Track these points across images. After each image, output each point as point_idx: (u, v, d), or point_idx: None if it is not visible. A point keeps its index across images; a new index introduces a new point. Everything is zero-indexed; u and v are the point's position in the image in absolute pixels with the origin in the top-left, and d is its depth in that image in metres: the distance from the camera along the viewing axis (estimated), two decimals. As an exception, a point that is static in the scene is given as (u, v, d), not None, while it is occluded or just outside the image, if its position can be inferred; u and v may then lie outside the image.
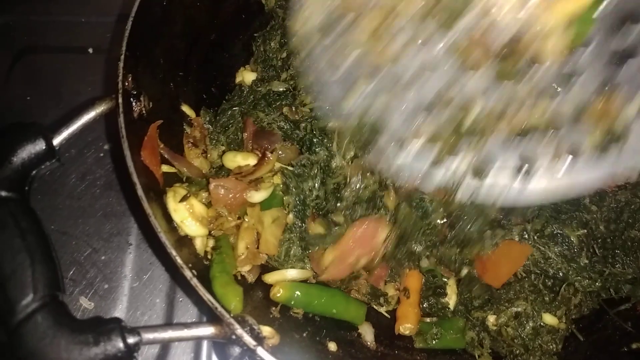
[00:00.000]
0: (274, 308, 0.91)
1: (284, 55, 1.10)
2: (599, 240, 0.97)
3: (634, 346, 0.94)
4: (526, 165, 0.79)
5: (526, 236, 0.90)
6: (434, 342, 0.93)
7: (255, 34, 1.17)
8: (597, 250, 0.96)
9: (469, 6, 0.78)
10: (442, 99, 0.79)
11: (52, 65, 1.40)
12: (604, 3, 0.74)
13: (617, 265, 0.97)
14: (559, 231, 0.91)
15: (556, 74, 0.78)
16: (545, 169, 0.79)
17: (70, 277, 1.18)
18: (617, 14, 0.75)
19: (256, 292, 0.92)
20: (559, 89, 0.78)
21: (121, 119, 0.80)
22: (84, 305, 1.16)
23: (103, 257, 1.21)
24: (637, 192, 1.00)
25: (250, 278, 0.94)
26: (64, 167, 1.27)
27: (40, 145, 0.76)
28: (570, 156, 0.78)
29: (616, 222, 0.99)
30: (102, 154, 1.30)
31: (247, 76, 1.16)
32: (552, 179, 0.79)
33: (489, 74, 0.79)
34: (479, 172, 0.79)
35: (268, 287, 0.93)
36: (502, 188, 0.79)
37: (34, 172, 0.76)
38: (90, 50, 1.42)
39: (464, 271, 0.92)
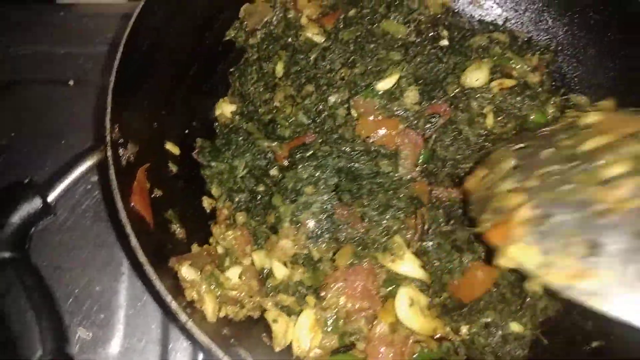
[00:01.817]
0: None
1: (261, 89, 1.15)
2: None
3: (594, 344, 1.01)
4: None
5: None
6: (414, 356, 1.00)
7: (231, 69, 1.21)
8: None
9: None
10: None
11: (33, 98, 1.43)
12: None
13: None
14: None
15: None
16: None
17: (67, 310, 1.21)
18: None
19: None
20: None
21: (112, 172, 0.84)
22: (82, 336, 1.20)
23: (98, 288, 1.25)
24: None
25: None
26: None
27: (36, 204, 0.81)
28: None
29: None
30: (89, 186, 1.33)
31: (226, 108, 1.21)
32: None
33: None
34: None
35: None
36: None
37: (32, 229, 0.80)
38: (71, 82, 1.44)
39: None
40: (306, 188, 1.00)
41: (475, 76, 1.10)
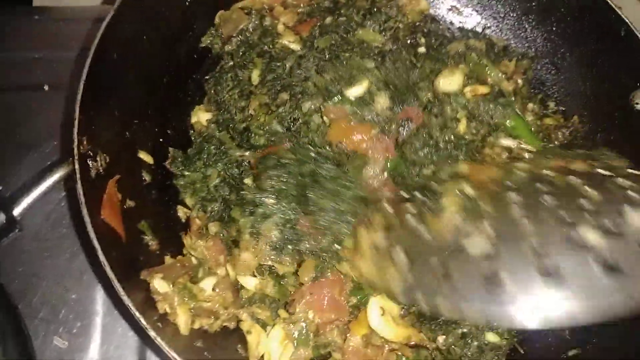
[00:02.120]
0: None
1: (236, 97, 1.14)
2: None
3: (570, 353, 1.03)
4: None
5: None
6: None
7: (206, 76, 1.20)
8: None
9: None
10: None
11: (7, 104, 1.40)
12: None
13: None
14: None
15: None
16: None
17: (42, 318, 1.20)
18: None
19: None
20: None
21: (79, 186, 0.83)
22: (58, 345, 1.19)
23: (74, 296, 1.24)
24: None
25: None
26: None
27: (0, 219, 0.79)
28: None
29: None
30: (64, 193, 1.31)
31: (201, 116, 1.20)
32: None
33: None
34: None
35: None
36: None
37: (-3, 245, 0.79)
38: (46, 87, 1.42)
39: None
40: (267, 199, 1.00)
41: (449, 81, 1.10)
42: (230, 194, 1.10)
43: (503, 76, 1.12)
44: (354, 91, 1.07)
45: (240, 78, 1.15)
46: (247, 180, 1.09)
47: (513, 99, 1.09)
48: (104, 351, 1.21)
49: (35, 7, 1.57)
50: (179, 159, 1.15)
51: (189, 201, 1.14)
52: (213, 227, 1.09)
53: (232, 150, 1.13)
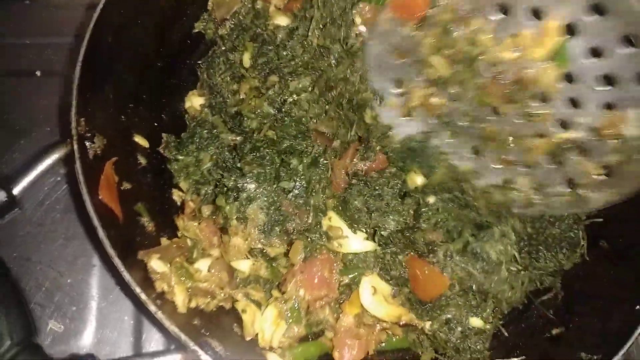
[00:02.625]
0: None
1: (228, 79, 1.16)
2: (526, 238, 1.09)
3: (554, 332, 1.05)
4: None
5: (449, 257, 0.96)
6: (381, 344, 1.04)
7: (199, 61, 1.22)
8: (518, 258, 1.04)
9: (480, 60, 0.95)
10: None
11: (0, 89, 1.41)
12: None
13: (540, 261, 1.09)
14: (479, 249, 0.97)
15: (559, 105, 0.93)
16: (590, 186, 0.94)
17: (37, 302, 1.22)
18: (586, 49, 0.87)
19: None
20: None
21: (78, 165, 0.85)
22: (54, 328, 1.21)
23: (69, 280, 1.25)
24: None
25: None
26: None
27: (1, 197, 0.80)
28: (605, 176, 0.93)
29: (540, 221, 1.11)
30: (59, 178, 1.32)
31: (195, 100, 1.21)
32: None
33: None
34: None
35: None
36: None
37: (-3, 223, 0.80)
38: (38, 73, 1.42)
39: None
40: (249, 185, 1.01)
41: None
42: (223, 177, 1.11)
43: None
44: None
45: (232, 61, 1.16)
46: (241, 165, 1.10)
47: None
48: (99, 335, 1.23)
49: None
50: (172, 144, 1.16)
51: (183, 185, 1.16)
52: (206, 210, 1.10)
53: (224, 135, 1.14)
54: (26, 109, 1.38)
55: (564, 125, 0.95)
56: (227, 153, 1.13)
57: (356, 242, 1.03)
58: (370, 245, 1.02)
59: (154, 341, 1.23)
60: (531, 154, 0.99)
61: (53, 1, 1.52)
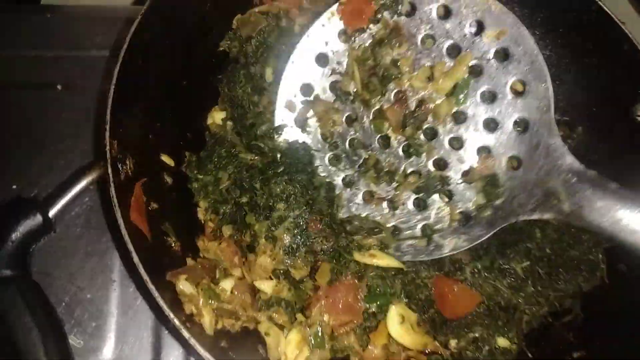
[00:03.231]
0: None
1: (249, 90, 1.17)
2: (545, 260, 1.11)
3: (575, 355, 1.07)
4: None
5: (477, 274, 1.01)
6: (405, 364, 1.05)
7: (219, 76, 1.23)
8: (541, 273, 1.09)
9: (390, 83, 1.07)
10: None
11: (19, 102, 1.41)
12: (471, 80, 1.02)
13: (559, 282, 1.11)
14: (506, 265, 1.03)
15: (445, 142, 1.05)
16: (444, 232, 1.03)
17: (57, 317, 1.22)
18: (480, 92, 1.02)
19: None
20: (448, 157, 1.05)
21: (112, 189, 0.85)
22: (74, 344, 1.21)
23: (88, 296, 1.26)
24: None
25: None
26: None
27: (37, 220, 0.81)
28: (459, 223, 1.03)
29: (559, 243, 1.13)
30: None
31: (217, 116, 1.22)
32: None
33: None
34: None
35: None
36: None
37: (33, 246, 0.81)
38: (59, 87, 1.43)
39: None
40: (278, 204, 1.03)
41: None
42: (241, 196, 1.12)
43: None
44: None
45: (253, 74, 1.18)
46: (257, 185, 1.11)
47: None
48: (118, 351, 1.23)
49: (46, 5, 1.57)
50: (193, 163, 1.17)
51: (202, 204, 1.16)
52: (226, 230, 1.11)
53: (242, 154, 1.15)
54: (47, 123, 1.38)
55: (441, 165, 1.06)
56: (244, 172, 1.13)
57: (382, 259, 1.04)
58: (396, 262, 1.04)
59: (173, 357, 1.23)
60: (400, 191, 1.08)
61: (73, 14, 1.53)
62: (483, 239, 1.00)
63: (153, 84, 1.08)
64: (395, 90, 1.06)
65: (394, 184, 1.08)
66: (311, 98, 1.11)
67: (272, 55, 1.20)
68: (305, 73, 1.10)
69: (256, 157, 1.14)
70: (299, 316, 1.03)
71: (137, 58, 1.00)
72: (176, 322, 0.81)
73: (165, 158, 1.11)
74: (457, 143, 1.04)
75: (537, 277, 1.07)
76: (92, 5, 1.59)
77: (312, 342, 1.01)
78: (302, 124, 1.13)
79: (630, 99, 1.16)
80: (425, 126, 1.06)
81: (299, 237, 1.03)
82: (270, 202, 1.05)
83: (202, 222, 1.16)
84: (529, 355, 1.06)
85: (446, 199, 1.05)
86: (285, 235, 1.03)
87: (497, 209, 1.00)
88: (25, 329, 0.72)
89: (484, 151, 1.02)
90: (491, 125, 1.01)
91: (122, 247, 0.84)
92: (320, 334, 1.01)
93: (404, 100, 1.06)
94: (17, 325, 0.72)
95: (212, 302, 0.98)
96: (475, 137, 1.02)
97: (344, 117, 1.10)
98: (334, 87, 1.10)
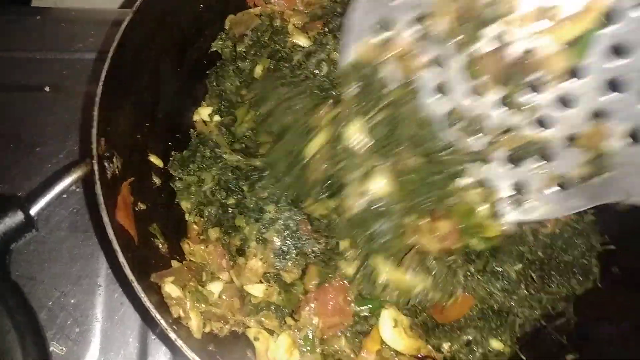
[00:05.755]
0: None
1: (237, 83, 1.17)
2: (537, 263, 1.10)
3: (568, 357, 1.05)
4: (517, 194, 0.92)
5: (470, 277, 1.00)
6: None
7: (207, 71, 1.22)
8: (534, 276, 1.08)
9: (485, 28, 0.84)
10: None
11: (8, 104, 1.39)
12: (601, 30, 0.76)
13: (552, 285, 1.10)
14: (499, 268, 1.02)
15: (553, 100, 0.84)
16: (534, 199, 0.90)
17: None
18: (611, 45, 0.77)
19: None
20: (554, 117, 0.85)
21: (98, 187, 0.83)
22: (56, 350, 1.17)
23: (72, 300, 1.22)
24: (568, 222, 1.13)
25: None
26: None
27: (19, 218, 0.78)
28: (558, 187, 0.88)
29: (551, 247, 1.12)
30: (65, 196, 1.29)
31: (203, 112, 1.21)
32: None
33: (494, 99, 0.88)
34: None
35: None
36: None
37: (13, 245, 0.78)
38: (47, 89, 1.41)
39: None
40: (268, 206, 1.01)
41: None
42: (227, 197, 1.10)
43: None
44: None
45: (242, 69, 1.17)
46: (245, 187, 1.09)
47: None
48: (102, 358, 1.19)
49: (36, 7, 1.55)
50: (177, 161, 1.15)
51: (184, 205, 1.14)
52: (213, 233, 1.09)
53: (226, 155, 1.13)
54: (34, 125, 1.35)
55: (544, 124, 0.86)
56: (229, 174, 1.11)
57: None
58: None
59: (159, 364, 1.20)
60: (494, 148, 0.91)
61: (62, 17, 1.51)
62: (579, 209, 0.87)
63: (144, 84, 1.07)
64: (494, 39, 0.83)
65: (488, 140, 0.91)
66: (391, 34, 0.92)
67: (264, 54, 1.20)
68: (383, 7, 0.90)
69: (241, 159, 1.12)
70: (288, 320, 1.01)
71: (127, 56, 0.98)
72: (163, 323, 0.78)
73: (153, 158, 1.09)
74: (568, 102, 0.83)
75: (530, 280, 1.07)
76: (81, 8, 1.57)
77: (303, 346, 0.98)
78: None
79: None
80: (530, 78, 0.83)
81: (289, 239, 1.02)
82: (259, 204, 1.03)
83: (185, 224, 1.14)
84: (523, 358, 1.04)
85: (545, 161, 0.88)
86: (275, 237, 1.02)
87: (604, 183, 0.83)
88: (4, 330, 0.69)
89: (600, 116, 0.81)
90: (615, 88, 0.79)
91: (109, 250, 0.82)
92: (310, 337, 0.98)
93: (508, 49, 0.83)
94: (-5, 326, 0.69)
95: (200, 305, 0.96)
96: (592, 98, 0.81)
97: (430, 60, 0.91)
98: (417, 23, 0.90)
